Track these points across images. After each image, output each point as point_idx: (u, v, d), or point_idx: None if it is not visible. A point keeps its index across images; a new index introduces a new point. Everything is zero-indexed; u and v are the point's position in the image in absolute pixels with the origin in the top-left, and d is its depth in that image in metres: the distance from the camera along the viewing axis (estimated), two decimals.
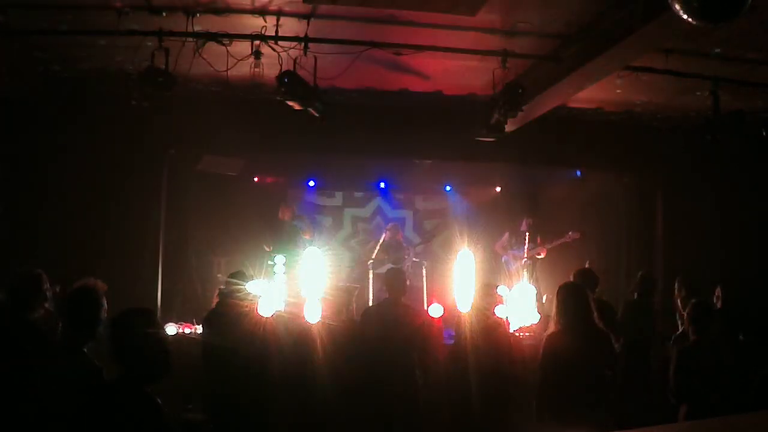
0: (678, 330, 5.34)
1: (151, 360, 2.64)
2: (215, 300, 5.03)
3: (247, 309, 4.66)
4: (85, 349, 3.19)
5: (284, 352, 4.74)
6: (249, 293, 4.72)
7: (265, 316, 4.76)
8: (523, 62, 5.90)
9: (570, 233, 8.77)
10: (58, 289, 4.39)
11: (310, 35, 5.32)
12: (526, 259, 8.88)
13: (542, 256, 8.90)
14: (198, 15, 5.13)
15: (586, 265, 7.09)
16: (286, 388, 4.74)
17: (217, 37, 5.29)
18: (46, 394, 2.95)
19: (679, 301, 5.51)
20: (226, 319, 4.65)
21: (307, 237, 8.88)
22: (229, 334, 4.54)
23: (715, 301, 5.19)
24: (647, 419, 4.81)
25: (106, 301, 3.38)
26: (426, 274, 9.18)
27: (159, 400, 2.61)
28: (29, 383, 2.99)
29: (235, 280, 4.78)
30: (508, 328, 5.21)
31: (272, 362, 4.65)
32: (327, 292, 5.32)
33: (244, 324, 4.57)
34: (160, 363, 2.67)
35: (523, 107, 5.90)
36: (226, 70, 5.39)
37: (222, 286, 5.02)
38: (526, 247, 8.88)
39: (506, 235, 9.24)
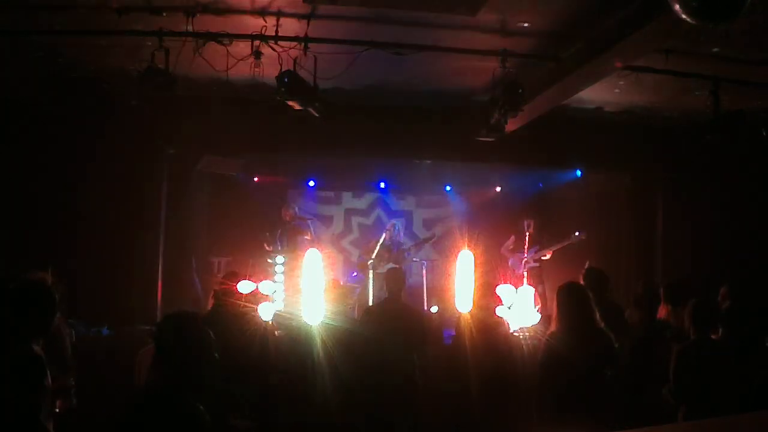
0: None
1: (197, 365, 2.52)
2: (210, 301, 5.01)
3: (243, 310, 4.65)
4: (35, 346, 3.06)
5: (283, 353, 4.73)
6: (245, 294, 4.71)
7: (265, 317, 4.74)
8: (523, 62, 5.90)
9: (575, 234, 8.74)
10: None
11: (310, 35, 5.33)
12: (527, 260, 8.88)
13: (548, 257, 8.90)
14: (198, 15, 5.14)
15: (586, 266, 7.06)
16: (286, 388, 4.73)
17: (217, 37, 5.29)
18: None
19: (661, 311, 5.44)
20: (223, 320, 4.64)
21: (307, 237, 8.89)
22: (225, 335, 4.52)
23: (720, 301, 5.16)
24: (648, 419, 4.82)
25: (57, 296, 3.23)
26: (426, 274, 9.18)
27: (201, 407, 2.49)
28: None
29: (229, 281, 4.77)
30: (508, 328, 5.20)
31: (271, 363, 4.64)
32: (327, 292, 5.31)
33: (240, 325, 4.56)
34: (206, 369, 2.54)
35: (523, 107, 5.90)
36: (226, 70, 5.39)
37: (216, 288, 4.99)
38: (526, 248, 8.89)
39: (512, 238, 9.23)
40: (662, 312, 5.25)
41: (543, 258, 8.92)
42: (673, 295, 5.24)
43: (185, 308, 2.77)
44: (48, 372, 3.02)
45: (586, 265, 7.14)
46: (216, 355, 2.58)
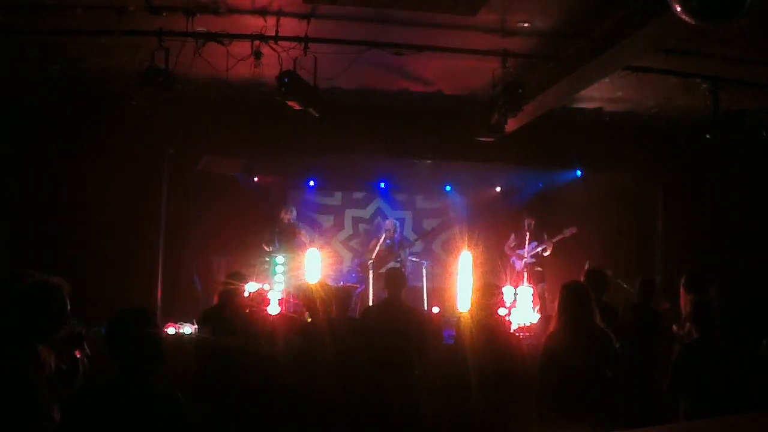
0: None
1: (142, 359, 2.61)
2: (216, 300, 5.01)
3: (249, 308, 4.66)
4: (40, 347, 3.01)
5: (285, 351, 4.72)
6: (250, 293, 4.72)
7: (271, 314, 4.74)
8: (523, 62, 5.90)
9: (567, 229, 8.80)
10: None
11: (310, 35, 5.33)
12: (529, 258, 8.88)
13: (548, 252, 8.92)
14: (198, 15, 5.14)
15: (586, 267, 7.05)
16: (285, 386, 4.72)
17: (217, 37, 5.29)
18: None
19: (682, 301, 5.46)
20: (228, 317, 4.64)
21: (303, 239, 8.89)
22: (229, 332, 4.53)
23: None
24: (649, 419, 4.82)
25: (68, 300, 3.13)
26: (426, 274, 9.18)
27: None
28: None
29: (234, 281, 4.77)
30: (509, 328, 5.20)
31: (273, 361, 4.64)
32: (327, 291, 5.31)
33: (245, 323, 4.57)
34: (152, 362, 2.64)
35: (523, 107, 5.90)
36: (226, 70, 5.40)
37: (222, 288, 5.00)
38: (527, 247, 8.90)
39: (512, 236, 9.25)
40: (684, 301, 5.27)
41: (544, 254, 8.93)
42: (691, 284, 5.24)
43: (140, 305, 2.79)
44: (36, 392, 2.84)
45: (587, 265, 7.14)
46: (161, 349, 2.66)
